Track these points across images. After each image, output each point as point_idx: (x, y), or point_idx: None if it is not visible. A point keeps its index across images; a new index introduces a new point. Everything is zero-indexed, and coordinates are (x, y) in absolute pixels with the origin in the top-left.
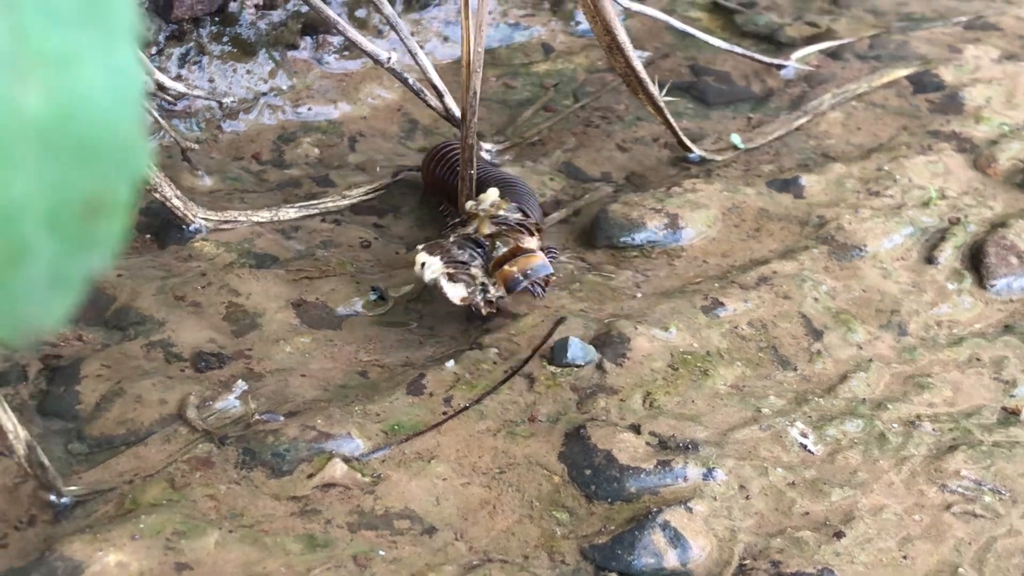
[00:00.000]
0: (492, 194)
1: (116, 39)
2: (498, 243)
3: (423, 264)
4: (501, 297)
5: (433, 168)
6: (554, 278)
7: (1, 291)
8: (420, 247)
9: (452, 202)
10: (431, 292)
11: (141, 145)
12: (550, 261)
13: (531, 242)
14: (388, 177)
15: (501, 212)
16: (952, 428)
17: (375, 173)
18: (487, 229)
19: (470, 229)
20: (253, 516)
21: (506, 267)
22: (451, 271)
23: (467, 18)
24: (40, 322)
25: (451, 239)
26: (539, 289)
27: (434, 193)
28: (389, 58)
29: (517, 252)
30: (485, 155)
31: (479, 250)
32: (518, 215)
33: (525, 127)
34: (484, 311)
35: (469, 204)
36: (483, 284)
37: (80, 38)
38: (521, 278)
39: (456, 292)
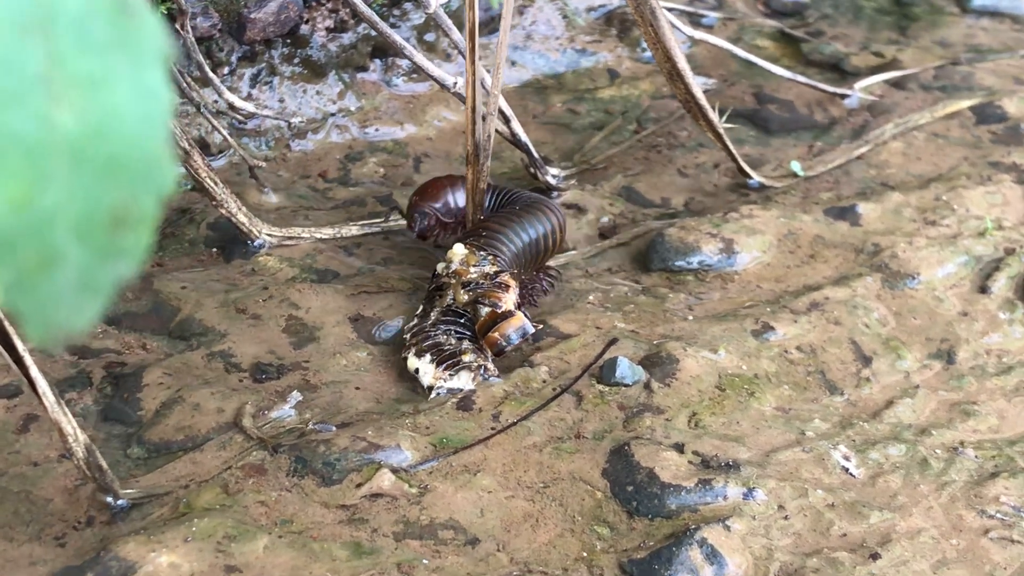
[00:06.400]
0: (457, 252)
1: (145, 62)
2: (478, 307)
3: (416, 371)
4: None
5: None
6: (532, 332)
7: (33, 296)
8: (407, 340)
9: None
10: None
11: (167, 162)
12: (550, 279)
13: (508, 299)
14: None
15: (472, 270)
16: (995, 455)
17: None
18: (464, 298)
19: (448, 299)
20: (302, 522)
21: (489, 335)
22: (448, 371)
23: (472, 61)
24: (69, 326)
25: (432, 320)
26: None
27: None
28: (455, 83)
29: (496, 318)
30: (551, 179)
31: (462, 320)
32: (490, 267)
33: (592, 153)
34: (490, 377)
35: (440, 267)
36: (481, 366)
37: (111, 62)
38: (504, 344)
39: (461, 383)
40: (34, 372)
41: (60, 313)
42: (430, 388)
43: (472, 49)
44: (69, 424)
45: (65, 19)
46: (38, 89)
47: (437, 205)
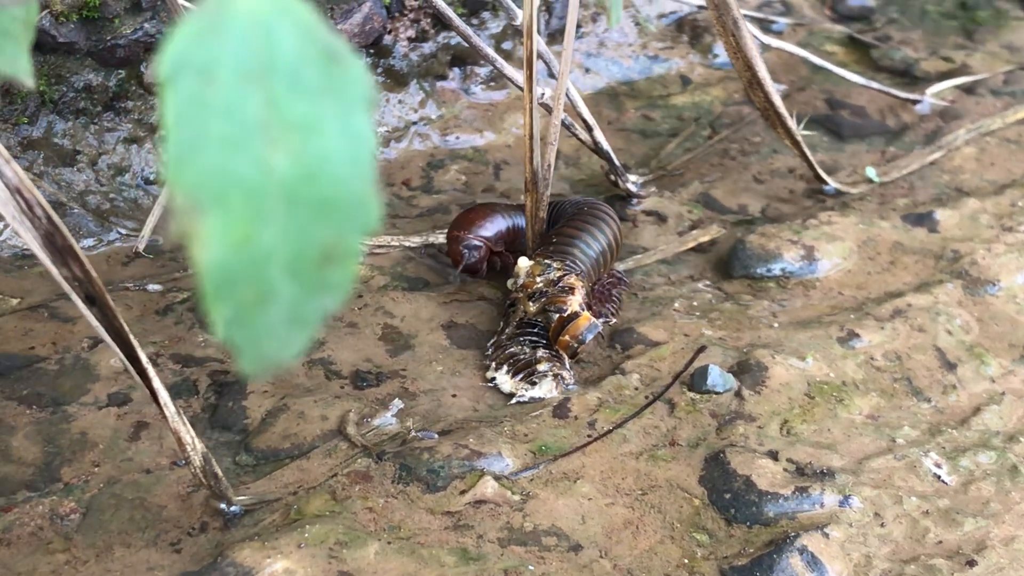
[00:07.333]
0: (523, 266)
1: (352, 107)
2: (548, 314)
3: (493, 380)
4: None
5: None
6: (605, 325)
7: (249, 329)
8: (488, 355)
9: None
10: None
11: (373, 202)
12: (619, 280)
13: (573, 301)
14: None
15: (538, 280)
16: None
17: (519, 200)
18: (532, 309)
19: (520, 313)
20: (410, 528)
21: (561, 338)
22: (526, 381)
23: (530, 89)
24: (280, 356)
25: (507, 333)
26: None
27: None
28: (543, 93)
29: (564, 321)
30: (631, 186)
31: (536, 330)
32: (555, 273)
33: (668, 159)
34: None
35: (509, 283)
36: (558, 374)
37: (322, 107)
38: (576, 344)
39: (542, 392)
40: (156, 383)
41: (272, 345)
42: (511, 395)
43: (529, 77)
44: (188, 433)
45: (281, 66)
46: (257, 134)
47: (488, 234)
